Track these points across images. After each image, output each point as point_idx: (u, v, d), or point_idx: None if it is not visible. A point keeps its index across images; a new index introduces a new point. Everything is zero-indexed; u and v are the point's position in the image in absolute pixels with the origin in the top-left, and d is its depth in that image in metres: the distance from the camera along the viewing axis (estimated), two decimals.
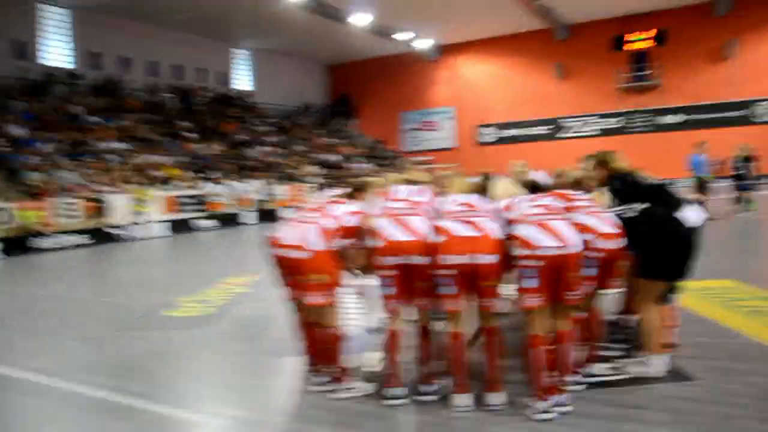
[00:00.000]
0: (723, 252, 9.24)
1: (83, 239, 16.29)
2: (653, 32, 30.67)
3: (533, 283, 3.52)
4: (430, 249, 3.70)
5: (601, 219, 3.92)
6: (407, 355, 4.18)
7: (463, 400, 3.77)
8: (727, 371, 4.14)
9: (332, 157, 31.12)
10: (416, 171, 5.29)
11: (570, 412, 3.58)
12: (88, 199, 17.69)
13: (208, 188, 21.52)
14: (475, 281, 3.65)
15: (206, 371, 5.00)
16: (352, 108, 39.02)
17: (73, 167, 18.65)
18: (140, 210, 17.78)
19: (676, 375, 4.11)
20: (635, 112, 31.90)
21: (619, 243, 3.88)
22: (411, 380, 4.14)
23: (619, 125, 32.25)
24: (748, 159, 14.77)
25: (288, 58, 34.92)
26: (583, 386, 3.97)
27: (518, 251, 3.58)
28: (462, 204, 3.97)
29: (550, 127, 33.83)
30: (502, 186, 4.55)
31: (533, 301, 3.55)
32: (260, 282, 8.22)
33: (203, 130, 26.62)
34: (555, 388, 3.63)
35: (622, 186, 4.31)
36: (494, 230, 3.71)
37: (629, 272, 4.54)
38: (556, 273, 3.52)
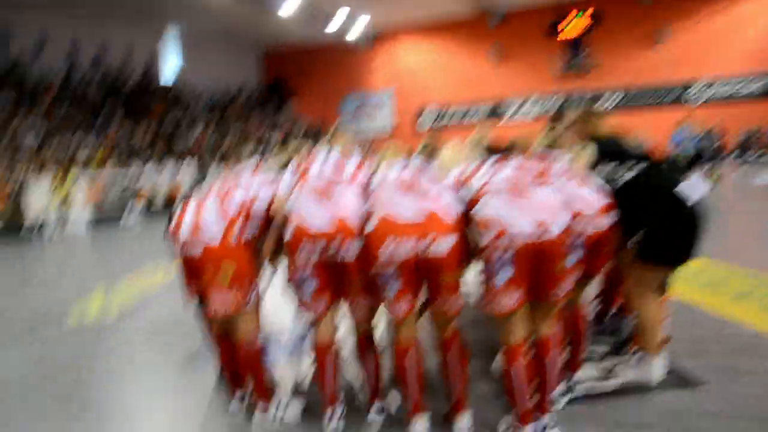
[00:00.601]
0: None
1: None
2: (588, 18, 30.67)
3: (506, 277, 2.64)
4: (362, 236, 2.82)
5: (588, 188, 3.05)
6: (345, 370, 3.40)
7: (419, 425, 2.94)
8: (736, 372, 3.44)
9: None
10: (343, 138, 4.20)
11: None
12: None
13: (135, 174, 20.05)
14: (427, 275, 2.77)
15: (103, 395, 3.93)
16: (289, 93, 37.79)
17: None
18: (60, 201, 16.19)
19: (678, 379, 3.38)
20: (572, 96, 31.88)
21: (611, 219, 3.04)
22: (352, 400, 3.34)
23: (557, 109, 32.13)
24: (709, 137, 14.84)
25: (220, 41, 33.18)
26: (568, 399, 3.19)
27: (484, 235, 2.68)
28: (403, 173, 3.04)
29: (490, 110, 33.51)
30: (451, 152, 3.58)
31: (507, 302, 2.67)
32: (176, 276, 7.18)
33: (130, 114, 24.96)
34: (540, 408, 2.83)
35: (608, 151, 3.45)
36: (449, 205, 2.81)
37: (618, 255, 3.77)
38: (536, 262, 2.65)
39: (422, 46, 34.96)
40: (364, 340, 3.12)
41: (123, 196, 19.19)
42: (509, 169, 2.90)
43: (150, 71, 29.32)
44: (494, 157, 3.07)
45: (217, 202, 3.13)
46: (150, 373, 4.31)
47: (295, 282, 2.97)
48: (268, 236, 3.29)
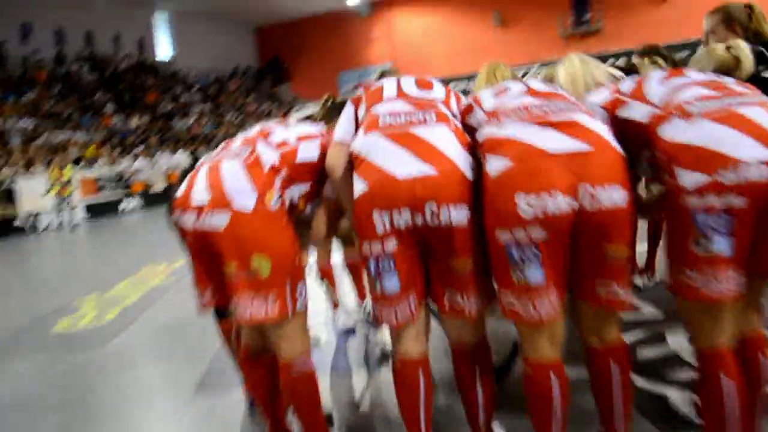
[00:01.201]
0: None
1: None
2: None
3: (726, 239, 1.67)
4: (472, 189, 1.88)
5: None
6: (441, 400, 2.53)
7: None
8: None
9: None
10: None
11: None
12: None
13: (130, 165, 19.20)
14: (584, 246, 1.80)
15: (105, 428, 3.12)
16: (285, 71, 36.73)
17: None
18: (53, 195, 15.31)
19: None
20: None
21: None
22: None
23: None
24: None
25: (212, 20, 32.05)
26: None
27: (686, 175, 1.70)
28: (531, 93, 2.06)
29: None
30: (576, 67, 2.48)
31: (726, 282, 1.70)
32: (183, 269, 6.38)
33: (122, 101, 24.04)
34: None
35: None
36: (611, 136, 1.84)
37: None
38: (762, 218, 1.68)
39: (421, 15, 33.92)
40: (471, 355, 2.13)
41: (118, 187, 18.33)
42: (697, 85, 1.91)
43: (140, 58, 28.26)
44: (659, 72, 2.11)
45: (241, 161, 2.19)
46: (157, 398, 3.47)
47: (367, 264, 2.00)
48: (317, 204, 2.37)
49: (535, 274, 1.77)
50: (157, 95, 26.15)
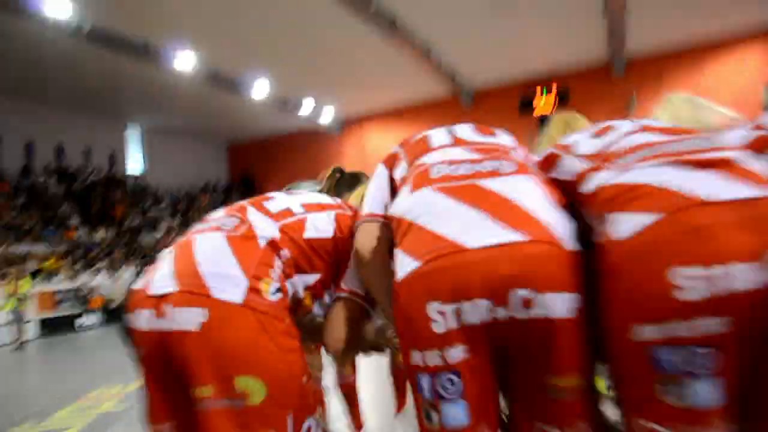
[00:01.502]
0: None
1: None
2: (554, 94, 30.44)
3: None
4: (581, 268, 1.27)
5: None
6: None
7: None
8: None
9: None
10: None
11: None
12: None
13: (91, 279, 18.21)
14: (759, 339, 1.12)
15: None
16: (256, 187, 36.74)
17: None
18: (8, 310, 14.15)
19: None
20: None
21: None
22: None
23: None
24: None
25: (184, 137, 32.24)
26: None
27: None
28: (649, 130, 1.45)
29: None
30: (681, 108, 2.03)
31: None
32: (137, 393, 5.49)
33: (88, 214, 23.34)
34: None
35: None
36: None
37: None
38: None
39: (393, 130, 34.45)
40: None
41: (77, 301, 17.27)
42: None
43: (110, 172, 27.94)
44: None
45: (224, 233, 1.57)
46: None
47: (417, 383, 1.31)
48: (331, 300, 1.67)
49: (703, 391, 1.11)
50: (125, 209, 25.58)
